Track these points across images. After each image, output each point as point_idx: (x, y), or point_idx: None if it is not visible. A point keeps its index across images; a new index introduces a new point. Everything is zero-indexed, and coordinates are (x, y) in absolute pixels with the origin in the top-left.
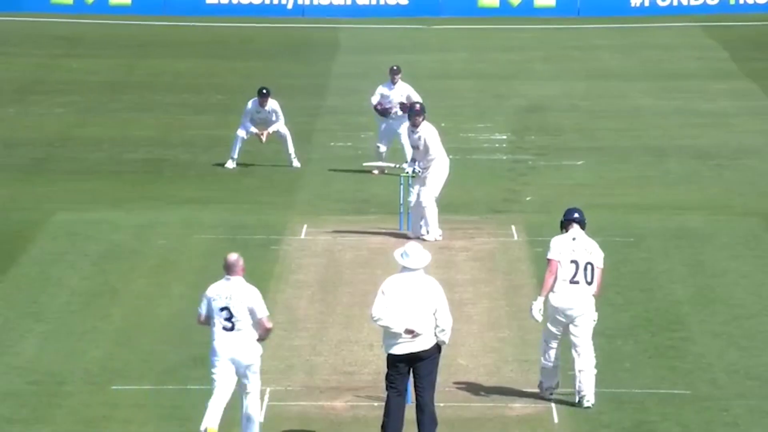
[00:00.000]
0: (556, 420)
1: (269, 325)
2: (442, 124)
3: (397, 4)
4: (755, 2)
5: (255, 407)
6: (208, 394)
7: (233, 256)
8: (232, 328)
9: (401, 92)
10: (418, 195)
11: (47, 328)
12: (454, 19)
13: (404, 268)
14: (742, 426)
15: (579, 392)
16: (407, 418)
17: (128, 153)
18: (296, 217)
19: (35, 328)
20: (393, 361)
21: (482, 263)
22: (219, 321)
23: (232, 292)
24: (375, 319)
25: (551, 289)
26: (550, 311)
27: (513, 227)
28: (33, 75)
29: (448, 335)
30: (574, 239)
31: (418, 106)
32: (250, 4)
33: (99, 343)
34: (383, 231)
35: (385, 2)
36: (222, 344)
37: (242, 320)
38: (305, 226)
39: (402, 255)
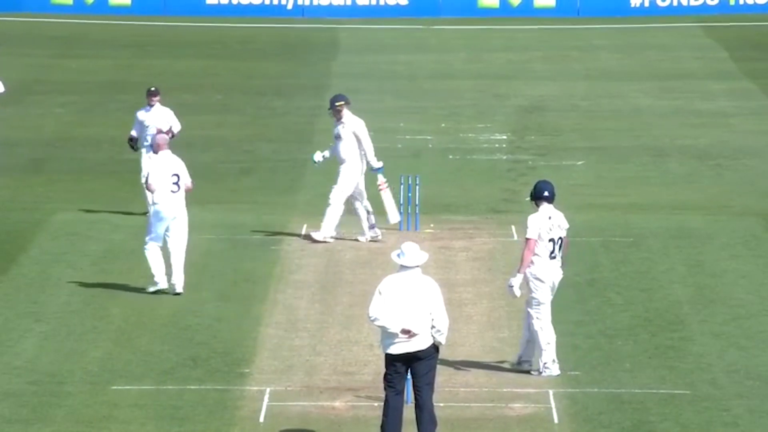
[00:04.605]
0: (556, 420)
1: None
2: (442, 125)
3: (397, 4)
4: (755, 2)
5: (180, 256)
6: (208, 394)
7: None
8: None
9: (160, 117)
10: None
11: (47, 328)
12: (454, 19)
13: (401, 267)
14: (742, 426)
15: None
16: (406, 418)
17: (128, 153)
18: (296, 217)
19: (35, 328)
20: (391, 360)
21: (482, 263)
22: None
23: None
24: (372, 318)
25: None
26: (538, 285)
27: (513, 227)
28: (33, 75)
29: (444, 336)
30: (550, 218)
31: (338, 97)
32: (250, 4)
33: (99, 343)
34: (383, 231)
35: (385, 2)
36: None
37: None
38: (305, 226)
39: (398, 254)
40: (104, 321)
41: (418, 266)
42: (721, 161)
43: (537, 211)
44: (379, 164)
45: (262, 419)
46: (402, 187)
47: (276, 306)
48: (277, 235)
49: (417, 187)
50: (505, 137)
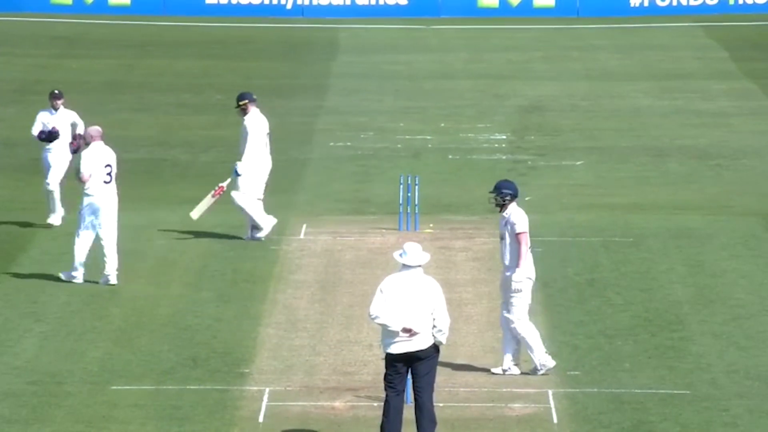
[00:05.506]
0: (555, 420)
1: None
2: (442, 124)
3: (397, 4)
4: (755, 2)
5: (112, 246)
6: (208, 394)
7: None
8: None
9: (64, 119)
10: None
11: (47, 328)
12: (454, 19)
13: (403, 267)
14: (741, 426)
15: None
16: (406, 418)
17: (128, 153)
18: (295, 217)
19: (35, 328)
20: (391, 360)
21: (482, 263)
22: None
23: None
24: (373, 317)
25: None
26: (529, 283)
27: None
28: (33, 75)
29: (445, 336)
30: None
31: (241, 95)
32: (250, 4)
33: (99, 343)
34: (383, 231)
35: (385, 2)
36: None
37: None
38: (305, 225)
39: (401, 254)
40: (104, 321)
41: (420, 266)
42: (721, 161)
43: (506, 209)
44: (241, 172)
45: (261, 419)
46: (401, 187)
47: (276, 306)
48: (276, 235)
49: (416, 188)
50: (505, 137)
